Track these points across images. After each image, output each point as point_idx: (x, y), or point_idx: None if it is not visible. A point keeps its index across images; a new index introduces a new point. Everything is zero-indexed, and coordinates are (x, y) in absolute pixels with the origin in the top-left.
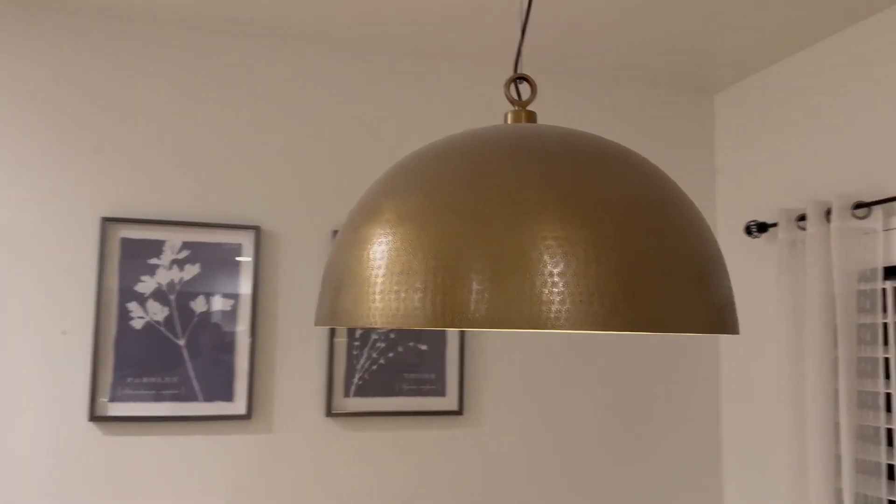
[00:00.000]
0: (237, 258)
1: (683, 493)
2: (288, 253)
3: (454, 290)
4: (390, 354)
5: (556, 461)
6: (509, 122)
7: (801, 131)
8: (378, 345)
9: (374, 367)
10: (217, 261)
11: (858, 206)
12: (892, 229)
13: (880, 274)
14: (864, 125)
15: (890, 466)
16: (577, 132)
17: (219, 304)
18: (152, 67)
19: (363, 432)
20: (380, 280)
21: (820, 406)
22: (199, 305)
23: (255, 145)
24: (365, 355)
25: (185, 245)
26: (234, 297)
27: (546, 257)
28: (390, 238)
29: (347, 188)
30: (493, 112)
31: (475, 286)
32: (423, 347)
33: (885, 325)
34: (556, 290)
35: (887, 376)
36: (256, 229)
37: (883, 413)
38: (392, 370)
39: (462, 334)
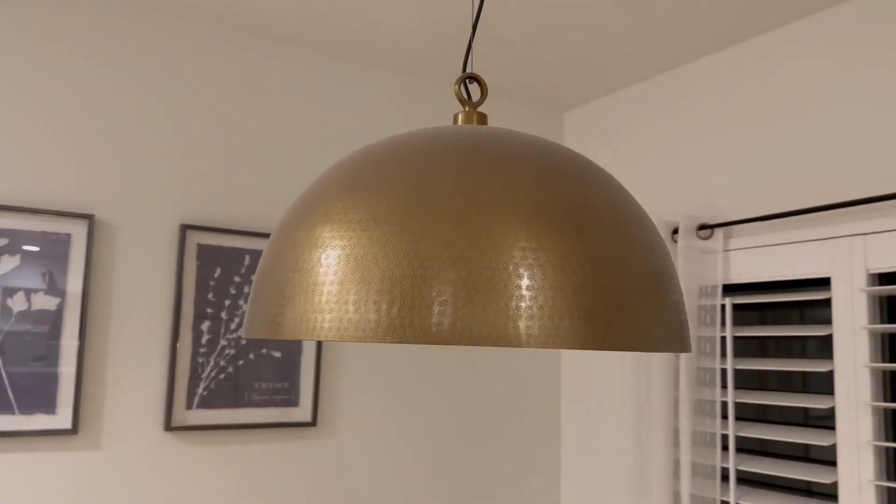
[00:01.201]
0: (66, 250)
1: (525, 496)
2: (127, 247)
3: (416, 303)
4: (240, 362)
5: (408, 470)
6: (460, 122)
7: (646, 155)
8: (227, 352)
9: (222, 376)
10: (41, 253)
11: (702, 227)
12: (731, 250)
13: (719, 290)
14: (707, 154)
15: (724, 469)
16: (537, 138)
17: (42, 302)
18: None
19: (207, 447)
20: (332, 289)
21: (661, 412)
22: (17, 303)
23: (96, 120)
24: (212, 363)
25: (3, 232)
26: (61, 294)
27: (516, 271)
28: (345, 243)
29: (205, 180)
30: (416, 120)
31: (439, 299)
32: (277, 355)
33: (723, 338)
34: (524, 305)
35: (724, 386)
36: (90, 218)
37: (719, 420)
38: (242, 379)
39: (319, 342)
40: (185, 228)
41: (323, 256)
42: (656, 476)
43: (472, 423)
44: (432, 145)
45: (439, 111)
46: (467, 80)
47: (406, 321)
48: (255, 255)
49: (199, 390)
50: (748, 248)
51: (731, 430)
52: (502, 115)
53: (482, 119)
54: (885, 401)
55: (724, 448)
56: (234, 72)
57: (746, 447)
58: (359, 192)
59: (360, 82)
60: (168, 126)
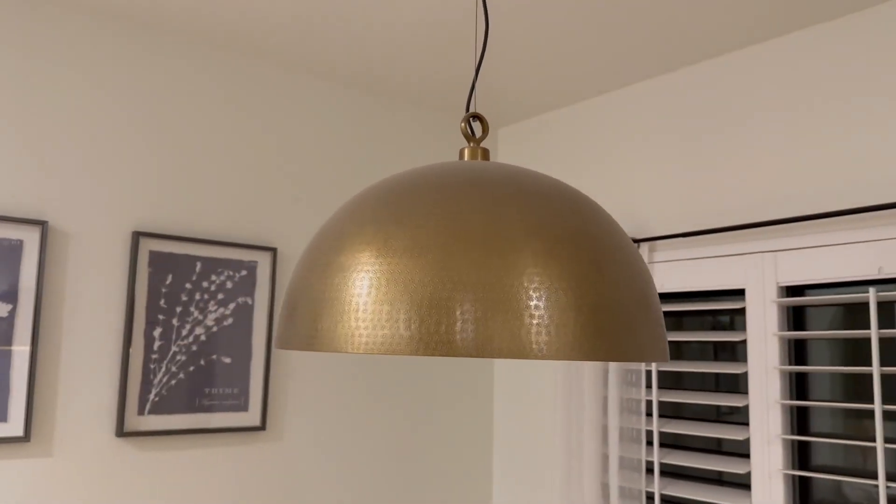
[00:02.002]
0: (19, 257)
1: (459, 494)
2: (80, 254)
3: (441, 320)
4: (191, 368)
5: (353, 472)
6: (466, 158)
7: (578, 173)
8: (178, 358)
9: (174, 382)
10: None
11: None
12: (655, 262)
13: None
14: (635, 173)
15: (649, 462)
16: (540, 174)
17: None
18: None
19: (158, 453)
20: (361, 308)
21: (591, 411)
22: None
23: (49, 127)
24: (163, 369)
25: None
26: (13, 300)
27: (528, 292)
28: (377, 268)
29: (158, 188)
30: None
31: (461, 316)
32: (227, 361)
33: None
34: (535, 322)
35: (648, 386)
36: (43, 225)
37: (644, 417)
38: (193, 385)
39: (268, 348)
40: (138, 235)
41: (362, 278)
42: (586, 470)
43: (412, 426)
44: (459, 181)
45: (407, 131)
46: (471, 119)
47: (434, 337)
48: (207, 261)
49: (151, 396)
50: (672, 260)
51: (656, 426)
52: (441, 127)
53: (486, 154)
54: (791, 399)
55: (649, 443)
56: (188, 80)
57: (669, 442)
58: (399, 222)
59: (314, 97)
60: (121, 133)
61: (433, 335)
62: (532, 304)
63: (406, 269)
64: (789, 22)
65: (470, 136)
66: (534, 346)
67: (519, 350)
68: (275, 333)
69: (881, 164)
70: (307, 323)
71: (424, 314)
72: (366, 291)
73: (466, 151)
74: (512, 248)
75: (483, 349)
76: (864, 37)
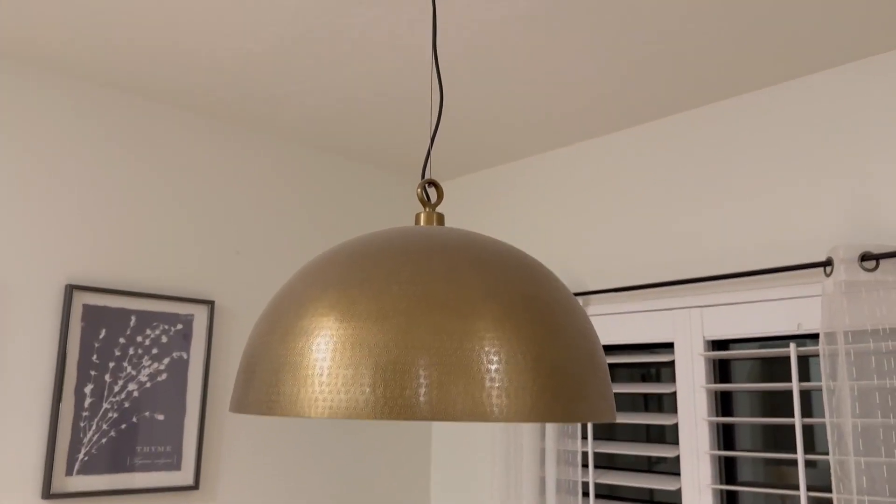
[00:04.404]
0: None
1: None
2: (10, 306)
3: (401, 385)
4: (123, 426)
5: None
6: (423, 222)
7: (515, 228)
8: (110, 415)
9: (104, 441)
10: None
11: None
12: (595, 316)
13: None
14: (570, 229)
15: (584, 484)
16: (494, 240)
17: None
18: None
19: None
20: (325, 372)
21: (531, 463)
22: None
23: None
24: (94, 427)
25: None
26: None
27: (490, 358)
28: (341, 332)
29: (92, 241)
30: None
31: (425, 381)
32: (160, 418)
33: None
34: (496, 385)
35: (584, 437)
36: None
37: (580, 469)
38: (124, 443)
39: (203, 404)
40: (72, 288)
41: (325, 342)
42: (526, 490)
43: (349, 486)
44: (420, 247)
45: (350, 188)
46: (427, 185)
47: (394, 402)
48: (141, 315)
49: (81, 455)
50: (604, 314)
51: (591, 478)
52: (386, 185)
53: (441, 219)
54: (719, 449)
55: (585, 494)
56: (122, 132)
57: (604, 493)
58: (362, 287)
59: (254, 150)
60: (55, 186)
61: (397, 399)
62: (492, 367)
63: (370, 333)
64: (711, 93)
65: (426, 202)
66: (494, 409)
67: (479, 413)
68: (231, 397)
69: (801, 226)
70: (267, 387)
71: (389, 378)
72: (329, 356)
73: (423, 216)
74: (472, 313)
75: (445, 413)
76: (784, 106)
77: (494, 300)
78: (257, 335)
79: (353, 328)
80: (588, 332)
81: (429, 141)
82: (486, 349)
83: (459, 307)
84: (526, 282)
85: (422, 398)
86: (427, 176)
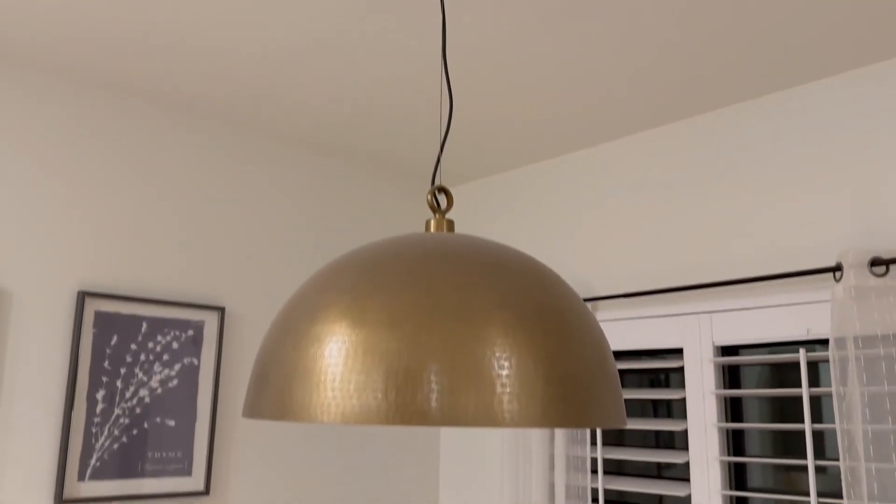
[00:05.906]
0: None
1: None
2: (22, 314)
3: (417, 390)
4: (134, 431)
5: None
6: (433, 229)
7: (525, 233)
8: (122, 421)
9: (116, 446)
10: None
11: None
12: (604, 321)
13: None
14: (580, 235)
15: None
16: (505, 247)
17: None
18: None
19: None
20: (337, 378)
21: (540, 469)
22: None
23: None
24: (106, 433)
25: None
26: None
27: (500, 362)
28: (353, 338)
29: (104, 248)
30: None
31: (436, 387)
32: (171, 424)
33: None
34: (507, 391)
35: (593, 443)
36: None
37: (589, 475)
38: (136, 449)
39: (214, 409)
40: (84, 295)
41: (338, 348)
42: (535, 496)
43: (359, 490)
44: (431, 254)
45: (361, 193)
46: (437, 191)
47: (406, 408)
48: (153, 321)
49: (93, 461)
50: (613, 320)
51: (601, 484)
52: (396, 186)
53: (451, 226)
54: (729, 454)
55: (595, 500)
56: (135, 137)
57: (613, 499)
58: (374, 294)
59: (265, 157)
60: (67, 194)
61: (409, 405)
62: (503, 373)
63: (382, 339)
64: (720, 98)
65: (436, 208)
66: (505, 414)
67: (490, 419)
68: (244, 402)
69: (811, 232)
70: (280, 392)
71: (401, 384)
72: (342, 362)
73: (433, 223)
74: (483, 320)
75: (456, 419)
76: (793, 111)
77: (506, 308)
78: (270, 341)
79: (366, 335)
80: (598, 339)
81: (439, 147)
82: (498, 355)
83: (471, 314)
84: (537, 289)
85: (433, 404)
86: (437, 182)
